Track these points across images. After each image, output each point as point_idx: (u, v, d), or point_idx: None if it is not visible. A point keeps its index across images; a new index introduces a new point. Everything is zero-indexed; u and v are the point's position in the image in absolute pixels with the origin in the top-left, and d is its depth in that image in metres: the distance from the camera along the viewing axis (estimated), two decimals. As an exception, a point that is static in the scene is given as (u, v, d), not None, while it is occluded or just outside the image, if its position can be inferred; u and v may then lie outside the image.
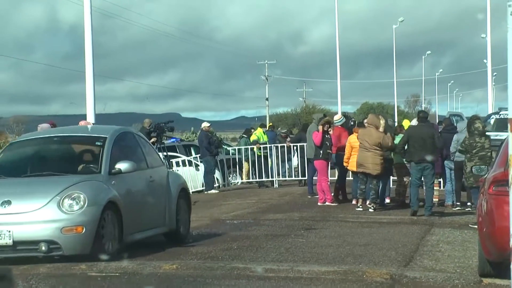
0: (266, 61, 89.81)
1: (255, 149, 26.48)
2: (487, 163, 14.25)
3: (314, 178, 20.66)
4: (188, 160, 26.10)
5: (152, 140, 20.35)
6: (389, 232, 13.77)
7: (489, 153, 14.89)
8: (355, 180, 18.53)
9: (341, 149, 18.69)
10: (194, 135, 49.53)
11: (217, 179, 26.46)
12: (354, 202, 18.61)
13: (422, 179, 16.55)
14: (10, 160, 11.69)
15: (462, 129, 16.78)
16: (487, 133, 15.77)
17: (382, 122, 17.18)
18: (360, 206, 17.43)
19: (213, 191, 24.55)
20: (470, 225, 14.73)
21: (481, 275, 9.28)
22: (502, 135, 17.76)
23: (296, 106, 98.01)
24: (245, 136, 28.72)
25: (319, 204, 18.76)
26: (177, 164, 25.20)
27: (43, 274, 9.42)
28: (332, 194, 19.19)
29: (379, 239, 12.80)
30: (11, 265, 9.75)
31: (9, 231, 9.98)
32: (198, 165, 25.70)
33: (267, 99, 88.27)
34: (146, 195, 11.95)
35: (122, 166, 11.13)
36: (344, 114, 22.65)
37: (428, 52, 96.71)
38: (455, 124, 19.74)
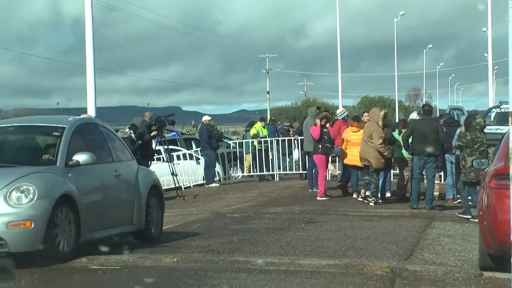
0: (267, 55, 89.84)
1: (255, 143, 26.49)
2: (486, 158, 14.29)
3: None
4: (189, 154, 26.13)
5: (153, 133, 20.34)
6: (389, 226, 13.77)
7: (487, 148, 14.97)
8: (354, 174, 18.58)
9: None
10: (195, 128, 49.58)
11: (217, 172, 26.49)
12: (354, 195, 18.65)
13: (424, 173, 16.58)
14: None
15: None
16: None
17: (381, 113, 17.21)
18: (361, 197, 17.46)
19: (213, 184, 24.56)
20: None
21: (482, 269, 9.29)
22: (502, 129, 17.80)
23: (296, 100, 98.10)
24: (250, 129, 28.72)
25: (318, 198, 18.75)
26: (178, 157, 25.23)
27: (44, 266, 9.42)
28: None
29: (379, 233, 12.80)
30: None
31: None
32: (199, 159, 25.73)
33: (268, 92, 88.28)
34: (109, 189, 11.06)
35: (80, 157, 10.30)
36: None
37: (430, 45, 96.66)
38: (455, 118, 19.74)
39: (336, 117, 20.64)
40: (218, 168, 26.42)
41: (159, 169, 23.76)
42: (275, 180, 26.33)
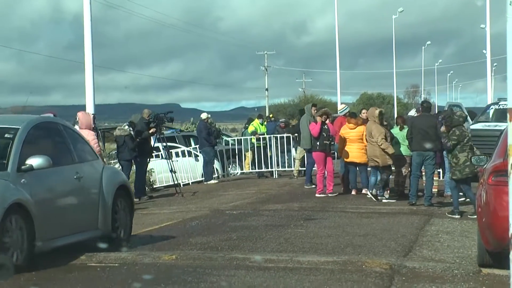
0: (265, 52, 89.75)
1: (253, 140, 26.50)
2: (473, 152, 14.33)
3: (314, 168, 20.66)
4: (187, 151, 26.13)
5: (151, 130, 20.35)
6: (388, 223, 13.78)
7: (471, 142, 15.04)
8: (352, 171, 18.60)
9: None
10: (194, 125, 49.51)
11: (216, 169, 26.50)
12: (353, 192, 18.66)
13: (422, 169, 16.61)
14: None
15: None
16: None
17: (376, 112, 17.38)
18: (385, 197, 17.61)
19: (212, 181, 24.57)
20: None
21: (480, 265, 9.30)
22: (501, 126, 17.76)
23: (295, 97, 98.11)
24: (248, 126, 28.72)
25: (316, 195, 18.75)
26: (177, 154, 25.24)
27: (42, 264, 9.42)
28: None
29: (378, 230, 12.81)
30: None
31: None
32: (198, 156, 25.74)
33: (266, 89, 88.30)
34: (69, 194, 10.32)
35: (34, 161, 9.46)
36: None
37: (428, 42, 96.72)
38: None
39: (339, 113, 20.77)
40: (216, 165, 26.42)
41: (157, 166, 23.86)
42: (274, 177, 26.34)
